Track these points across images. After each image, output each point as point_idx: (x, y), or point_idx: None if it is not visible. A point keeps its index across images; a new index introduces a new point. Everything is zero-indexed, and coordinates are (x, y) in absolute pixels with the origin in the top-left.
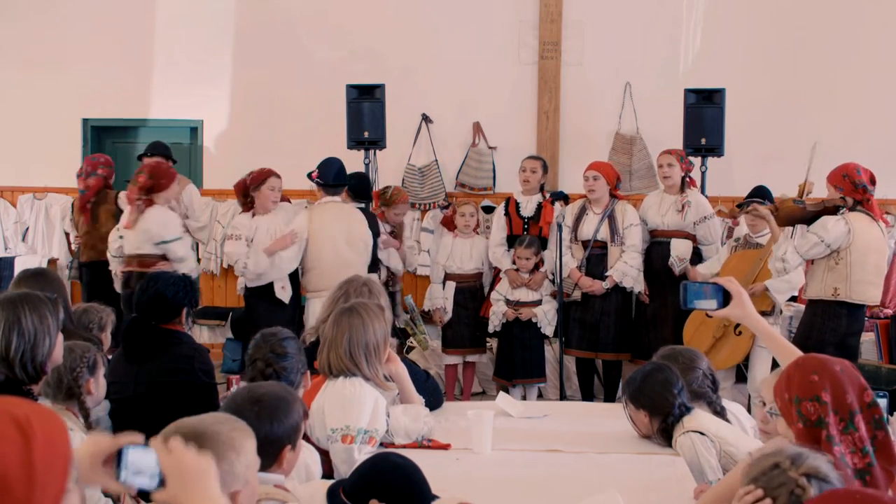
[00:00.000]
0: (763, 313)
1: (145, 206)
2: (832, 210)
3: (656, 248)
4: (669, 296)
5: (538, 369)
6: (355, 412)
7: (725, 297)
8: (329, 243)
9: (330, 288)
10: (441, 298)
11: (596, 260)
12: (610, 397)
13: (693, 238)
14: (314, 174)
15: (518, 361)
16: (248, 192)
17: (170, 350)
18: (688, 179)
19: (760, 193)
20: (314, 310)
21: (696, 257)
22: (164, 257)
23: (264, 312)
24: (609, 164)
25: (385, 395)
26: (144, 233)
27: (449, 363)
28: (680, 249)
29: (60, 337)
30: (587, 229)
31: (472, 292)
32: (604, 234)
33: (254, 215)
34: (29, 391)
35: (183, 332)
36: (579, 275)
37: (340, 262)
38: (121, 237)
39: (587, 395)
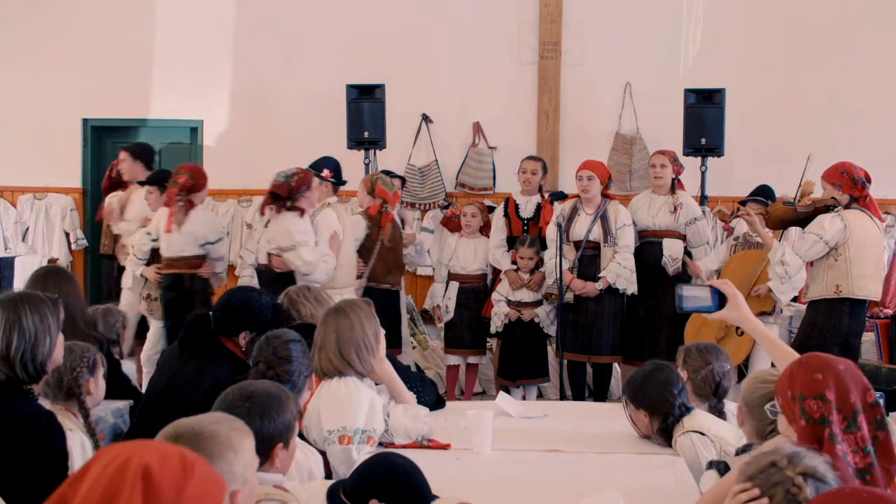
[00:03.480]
0: (763, 313)
1: (187, 207)
2: (823, 210)
3: (648, 249)
4: (662, 296)
5: (541, 369)
6: (352, 413)
7: (721, 300)
8: (347, 240)
9: (350, 284)
10: (441, 297)
11: (588, 261)
12: (600, 399)
13: (683, 238)
14: (328, 174)
15: (521, 362)
16: (291, 195)
17: (210, 368)
18: (677, 182)
19: (763, 192)
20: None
21: (687, 258)
22: (205, 258)
23: None
24: (601, 164)
25: (382, 395)
26: (189, 234)
27: (451, 363)
28: (673, 249)
29: (61, 337)
30: (579, 230)
31: (475, 293)
32: (596, 234)
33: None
34: (29, 391)
35: (238, 356)
36: (571, 276)
37: (354, 259)
38: (154, 239)
39: (579, 398)
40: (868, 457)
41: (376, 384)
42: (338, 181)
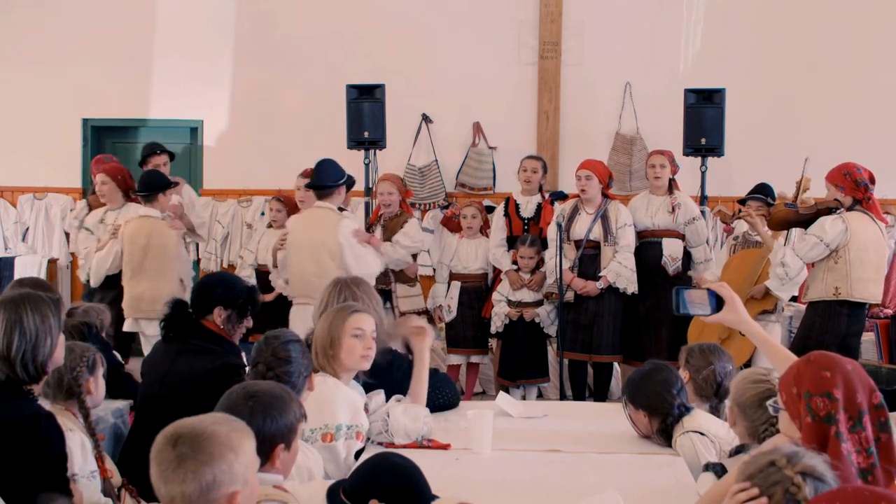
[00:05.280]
0: (765, 312)
1: None
2: (825, 212)
3: (648, 249)
4: (662, 296)
5: (542, 370)
6: (331, 410)
7: (718, 303)
8: (306, 251)
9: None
10: (442, 298)
11: (588, 260)
12: (600, 399)
13: (682, 238)
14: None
15: (522, 362)
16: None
17: (202, 358)
18: (673, 182)
19: (762, 190)
20: (298, 315)
21: (686, 258)
22: None
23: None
24: (601, 163)
25: (375, 398)
26: None
27: (452, 363)
28: (673, 249)
29: (62, 338)
30: (579, 229)
31: (476, 293)
32: (596, 234)
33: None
34: (29, 391)
35: (226, 338)
36: (572, 276)
37: (316, 270)
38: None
39: (579, 398)
40: (871, 457)
41: (370, 390)
42: (311, 185)
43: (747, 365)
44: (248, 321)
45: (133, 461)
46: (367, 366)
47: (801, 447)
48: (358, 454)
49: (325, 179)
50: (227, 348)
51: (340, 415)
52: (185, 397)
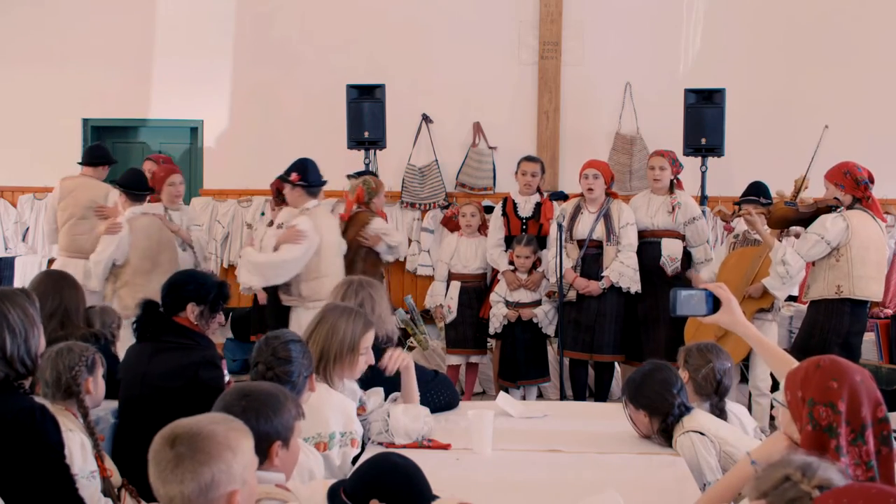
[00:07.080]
0: (762, 311)
1: None
2: (825, 210)
3: (647, 249)
4: (661, 296)
5: (542, 370)
6: (325, 417)
7: (715, 303)
8: (337, 252)
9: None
10: (442, 296)
11: (591, 260)
12: (601, 400)
13: (682, 238)
14: (295, 177)
15: (522, 363)
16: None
17: (178, 354)
18: (676, 181)
19: (757, 190)
20: (305, 320)
21: (686, 258)
22: None
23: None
24: (605, 163)
25: (373, 398)
26: None
27: (452, 363)
28: (671, 249)
29: (41, 326)
30: (582, 229)
31: (476, 292)
32: (599, 233)
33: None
34: (20, 386)
35: (200, 333)
36: (574, 275)
37: (340, 269)
38: None
39: (580, 398)
40: (870, 471)
41: (368, 388)
42: (310, 184)
43: (745, 362)
44: (220, 316)
45: (120, 464)
46: (357, 376)
47: (813, 458)
48: (357, 455)
49: (319, 177)
50: (202, 343)
51: (333, 422)
52: (167, 393)
